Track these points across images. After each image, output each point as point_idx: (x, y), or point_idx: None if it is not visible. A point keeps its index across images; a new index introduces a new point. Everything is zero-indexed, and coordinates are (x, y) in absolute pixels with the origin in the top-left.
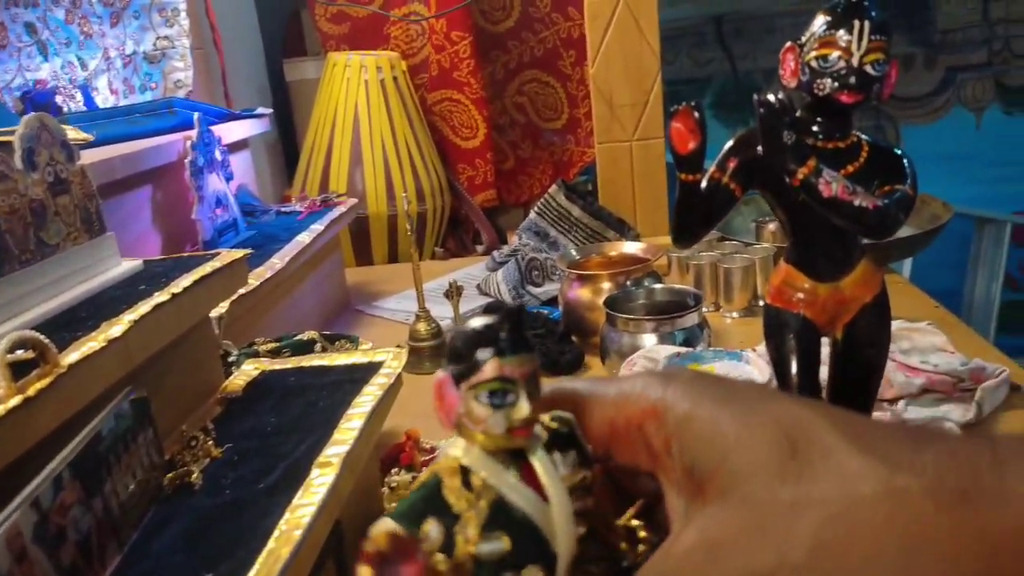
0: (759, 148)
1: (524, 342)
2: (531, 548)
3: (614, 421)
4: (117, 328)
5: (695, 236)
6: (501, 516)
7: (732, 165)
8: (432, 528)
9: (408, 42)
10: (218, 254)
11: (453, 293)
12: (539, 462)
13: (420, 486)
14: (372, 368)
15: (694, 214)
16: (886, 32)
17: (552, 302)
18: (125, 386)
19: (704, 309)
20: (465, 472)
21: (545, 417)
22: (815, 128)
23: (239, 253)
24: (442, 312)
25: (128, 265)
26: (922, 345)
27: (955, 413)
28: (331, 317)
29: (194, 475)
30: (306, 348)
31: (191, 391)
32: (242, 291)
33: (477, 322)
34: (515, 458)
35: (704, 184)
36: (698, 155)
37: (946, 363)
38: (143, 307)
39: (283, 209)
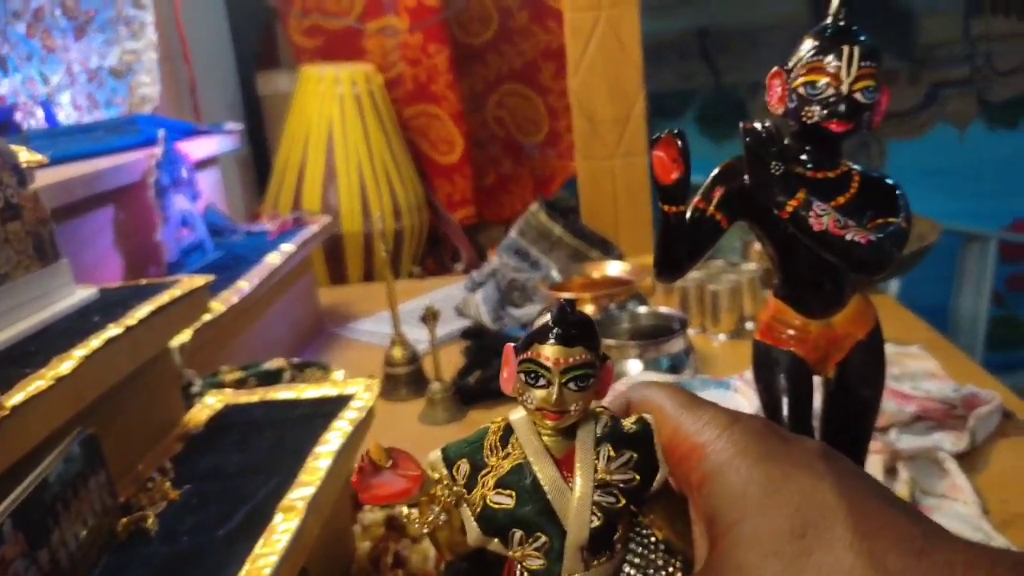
0: (746, 177)
1: (574, 337)
2: (540, 518)
3: (672, 440)
4: (66, 365)
5: (680, 270)
6: (516, 478)
7: (718, 195)
8: (463, 467)
9: (383, 56)
10: (178, 281)
11: (429, 318)
12: (579, 447)
13: (475, 432)
14: (343, 401)
15: (678, 247)
16: (877, 58)
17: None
18: (75, 426)
19: (690, 331)
20: (509, 432)
21: (632, 416)
22: (803, 157)
23: (200, 280)
24: (419, 336)
25: (82, 294)
26: (913, 371)
27: (947, 442)
28: (303, 341)
29: (150, 520)
30: (274, 377)
31: (148, 427)
32: (207, 318)
33: (546, 314)
34: (567, 436)
35: (688, 215)
36: (682, 185)
37: (938, 389)
38: (94, 341)
39: (253, 229)
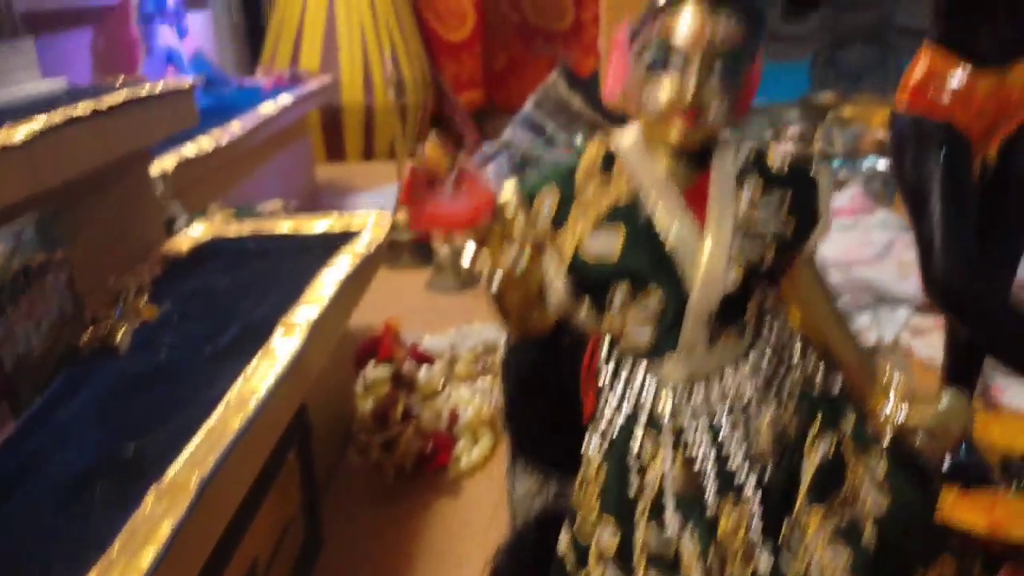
0: None
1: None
2: (656, 270)
3: None
4: (18, 134)
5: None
6: (625, 215)
7: None
8: (549, 199)
9: None
10: (160, 82)
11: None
12: (715, 177)
13: (567, 157)
14: (349, 236)
15: None
16: None
17: None
18: (33, 212)
19: None
20: (612, 156)
21: (779, 156)
22: None
23: (186, 81)
24: None
25: (49, 83)
26: None
27: None
28: (298, 208)
29: (120, 335)
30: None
31: (123, 247)
32: (194, 154)
33: None
34: (697, 164)
35: None
36: None
37: None
38: (56, 117)
39: (245, 83)
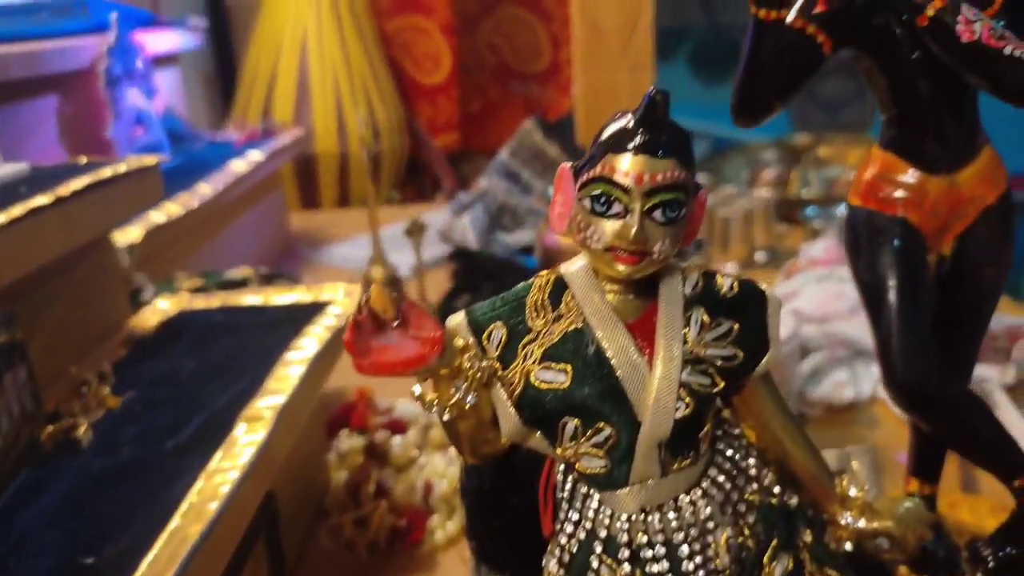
0: None
1: (665, 145)
2: (605, 403)
3: None
4: None
5: (764, 110)
6: (572, 349)
7: (822, 9)
8: (497, 334)
9: None
10: (123, 160)
11: (415, 231)
12: (662, 309)
13: (511, 291)
14: (318, 308)
15: (769, 75)
16: None
17: (526, 251)
18: None
19: (696, 260)
20: (561, 288)
21: (727, 279)
22: None
23: (150, 160)
24: (400, 260)
25: (10, 168)
26: None
27: (992, 373)
28: (272, 263)
29: (82, 429)
30: (237, 287)
31: (86, 328)
32: (163, 220)
33: (625, 114)
34: (644, 295)
35: (782, 36)
36: None
37: None
38: (16, 209)
39: (217, 139)
